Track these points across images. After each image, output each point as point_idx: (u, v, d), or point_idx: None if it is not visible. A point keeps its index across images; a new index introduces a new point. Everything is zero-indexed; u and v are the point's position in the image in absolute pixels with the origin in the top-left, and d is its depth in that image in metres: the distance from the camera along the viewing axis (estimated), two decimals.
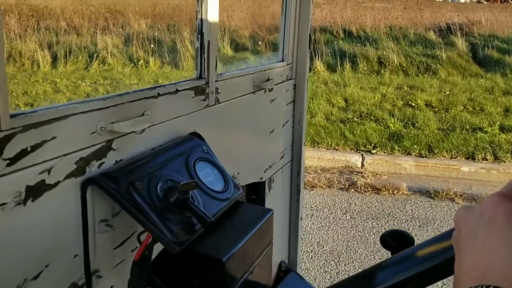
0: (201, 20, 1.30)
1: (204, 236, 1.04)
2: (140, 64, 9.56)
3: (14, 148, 0.78)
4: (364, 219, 4.47)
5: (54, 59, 9.53)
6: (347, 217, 4.50)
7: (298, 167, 2.06)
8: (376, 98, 7.90)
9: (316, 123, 6.68)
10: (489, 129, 6.49)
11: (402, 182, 5.22)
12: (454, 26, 11.25)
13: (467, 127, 6.59)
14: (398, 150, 5.93)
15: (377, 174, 5.54)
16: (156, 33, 10.29)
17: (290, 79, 1.94)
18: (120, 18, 11.08)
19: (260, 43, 9.84)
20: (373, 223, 4.38)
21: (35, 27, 10.39)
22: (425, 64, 9.80)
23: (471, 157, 5.74)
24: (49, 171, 0.84)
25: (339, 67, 9.77)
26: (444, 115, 7.17)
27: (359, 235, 4.17)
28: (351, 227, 4.31)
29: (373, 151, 5.93)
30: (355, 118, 7.00)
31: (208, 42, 1.32)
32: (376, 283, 1.00)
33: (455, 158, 5.74)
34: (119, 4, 12.04)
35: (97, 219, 0.95)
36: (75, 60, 9.50)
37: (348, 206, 4.73)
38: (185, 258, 1.04)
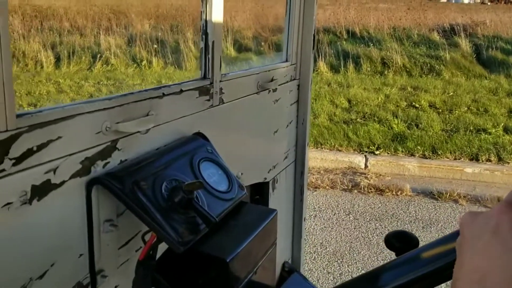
0: (206, 20, 1.30)
1: (208, 236, 1.04)
2: (143, 64, 9.58)
3: (20, 147, 0.78)
4: (368, 220, 4.46)
5: (58, 59, 9.57)
6: (350, 218, 4.49)
7: (302, 167, 2.06)
8: (379, 99, 7.88)
9: (320, 124, 6.67)
10: (493, 130, 6.47)
11: (405, 183, 5.21)
12: (458, 27, 11.22)
13: (471, 128, 6.57)
14: (402, 151, 5.92)
15: (380, 175, 5.53)
16: (159, 34, 10.31)
17: (294, 79, 1.94)
18: (123, 18, 11.11)
19: (263, 43, 9.85)
20: (377, 224, 4.37)
21: (39, 27, 10.43)
22: (428, 65, 9.78)
23: (475, 158, 5.72)
24: (54, 170, 0.85)
25: (342, 68, 9.76)
26: (448, 116, 7.15)
27: (362, 236, 4.16)
28: (354, 228, 4.30)
29: (377, 152, 5.92)
30: (358, 119, 7.00)
31: (213, 42, 1.32)
32: (381, 284, 1.00)
33: (459, 159, 5.72)
34: (122, 4, 12.07)
35: (102, 218, 0.95)
36: (78, 61, 9.52)
37: (351, 207, 4.72)
38: (189, 258, 1.04)
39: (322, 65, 9.78)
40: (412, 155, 5.85)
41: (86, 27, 10.60)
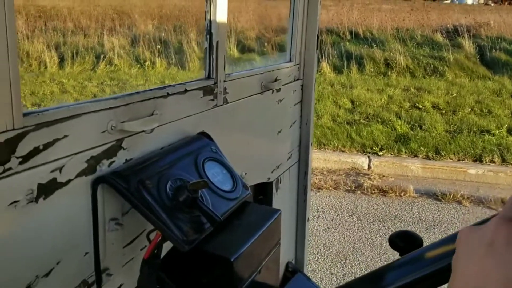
0: (210, 20, 1.30)
1: (212, 236, 1.04)
2: (146, 65, 9.60)
3: (26, 146, 0.78)
4: (371, 221, 4.45)
5: (61, 59, 9.60)
6: (354, 219, 4.49)
7: (305, 167, 2.06)
8: (383, 100, 7.87)
9: (323, 124, 6.67)
10: (497, 131, 6.45)
11: (409, 184, 5.20)
12: (462, 28, 11.19)
13: (475, 129, 6.56)
14: (405, 152, 5.91)
15: (383, 176, 5.52)
16: (163, 34, 10.33)
17: (298, 79, 1.94)
18: (126, 19, 11.13)
19: (266, 44, 9.85)
20: (380, 225, 4.36)
21: (43, 28, 10.46)
22: (432, 66, 9.76)
23: (478, 159, 5.70)
24: (60, 169, 0.85)
25: (345, 69, 9.75)
26: (451, 117, 7.13)
27: (365, 237, 4.16)
28: (357, 229, 4.30)
29: (380, 153, 5.91)
30: (361, 120, 6.99)
31: (217, 42, 1.32)
32: (385, 284, 1.00)
33: (463, 160, 5.71)
34: (125, 5, 12.09)
35: (107, 217, 0.96)
36: (82, 61, 9.55)
37: (355, 208, 4.72)
38: (194, 257, 1.04)
39: (325, 66, 9.77)
40: (416, 156, 5.84)
41: (90, 28, 10.63)
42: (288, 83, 1.85)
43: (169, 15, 11.69)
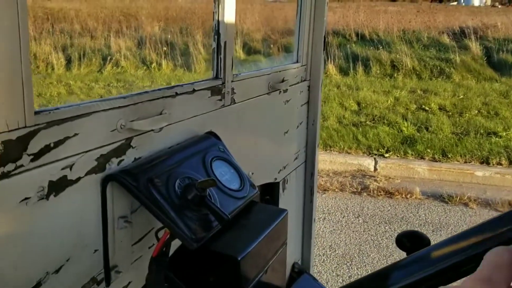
0: (218, 21, 1.31)
1: (220, 235, 1.05)
2: (153, 67, 9.64)
3: (38, 144, 0.79)
4: (377, 223, 4.44)
5: (68, 61, 9.66)
6: (360, 221, 4.48)
7: (312, 168, 2.06)
8: (389, 102, 7.85)
9: (329, 126, 6.66)
10: (504, 133, 6.41)
11: (415, 186, 5.18)
12: (468, 30, 11.14)
13: (482, 131, 6.52)
14: (411, 154, 5.89)
15: (390, 178, 5.50)
16: (169, 36, 10.37)
17: (305, 80, 1.95)
18: (133, 21, 11.19)
19: (272, 46, 9.86)
20: (386, 227, 4.35)
21: (50, 30, 10.54)
22: (438, 67, 9.72)
23: (485, 161, 5.67)
24: (71, 167, 0.86)
25: (351, 71, 9.74)
26: (458, 119, 7.10)
27: (371, 239, 4.14)
28: (363, 231, 4.29)
29: (386, 155, 5.89)
30: (367, 122, 6.97)
31: (225, 43, 1.33)
32: (391, 283, 1.00)
33: (469, 162, 5.68)
34: (132, 7, 12.16)
35: (116, 215, 0.97)
36: (88, 63, 9.61)
37: (361, 210, 4.71)
38: (201, 255, 1.05)
39: (332, 68, 9.77)
40: (422, 158, 5.82)
41: (97, 30, 10.69)
42: (295, 84, 1.86)
43: (175, 17, 11.74)
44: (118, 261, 0.98)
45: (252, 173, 1.53)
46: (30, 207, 0.79)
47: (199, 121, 1.25)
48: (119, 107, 0.96)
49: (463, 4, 26.10)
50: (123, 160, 0.98)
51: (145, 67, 9.66)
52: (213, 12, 1.32)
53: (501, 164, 5.60)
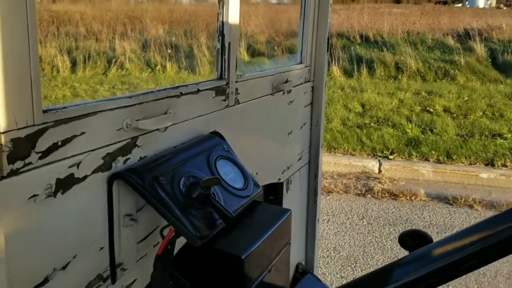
0: (222, 22, 1.32)
1: (223, 234, 1.06)
2: (157, 69, 9.68)
3: (46, 142, 0.81)
4: (381, 225, 4.43)
5: (73, 64, 9.71)
6: (364, 223, 4.47)
7: (316, 169, 2.07)
8: (393, 104, 7.84)
9: (333, 128, 6.66)
10: (509, 135, 6.39)
11: (420, 188, 5.17)
12: (473, 32, 11.12)
13: (486, 133, 6.50)
14: (416, 156, 5.87)
15: (394, 180, 5.49)
16: (173, 39, 10.41)
17: (308, 81, 1.96)
18: (138, 24, 11.24)
19: (276, 48, 9.88)
20: (390, 229, 4.34)
21: (55, 32, 10.60)
22: (443, 69, 9.70)
23: (490, 163, 5.65)
24: (78, 165, 0.87)
25: (356, 72, 9.74)
26: (462, 121, 7.08)
27: (376, 241, 4.14)
28: (367, 233, 4.28)
29: (391, 157, 5.89)
30: (372, 124, 6.97)
31: (229, 43, 1.34)
32: (393, 280, 1.01)
33: (474, 164, 5.66)
34: (137, 10, 12.21)
35: (122, 213, 0.98)
36: (93, 65, 9.66)
37: (365, 212, 4.70)
38: (205, 254, 1.06)
39: (336, 70, 9.77)
40: (427, 160, 5.81)
41: (102, 32, 10.74)
42: (298, 85, 1.86)
43: (179, 20, 11.78)
44: (123, 259, 0.99)
45: (256, 173, 1.54)
46: (38, 204, 0.80)
47: (203, 121, 1.26)
48: (125, 106, 0.98)
49: (468, 5, 26.04)
50: (129, 158, 1.00)
51: (149, 70, 9.70)
52: (218, 13, 1.33)
53: (506, 166, 5.58)
